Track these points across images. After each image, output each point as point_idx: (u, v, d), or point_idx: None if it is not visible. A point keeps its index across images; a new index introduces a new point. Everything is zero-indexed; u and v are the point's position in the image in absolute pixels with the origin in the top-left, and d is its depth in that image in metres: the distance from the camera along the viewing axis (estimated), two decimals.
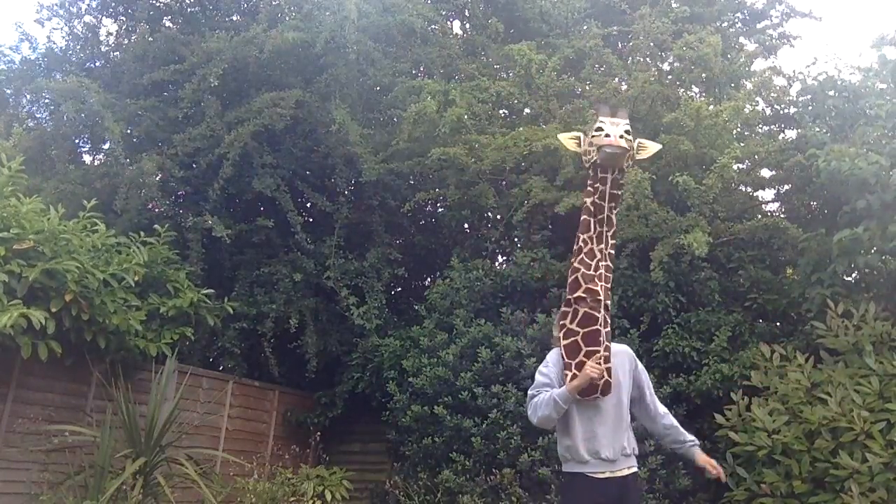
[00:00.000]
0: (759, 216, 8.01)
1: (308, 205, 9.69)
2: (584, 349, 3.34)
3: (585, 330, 3.36)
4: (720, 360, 6.97)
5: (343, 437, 8.94)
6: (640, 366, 3.61)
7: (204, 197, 8.37)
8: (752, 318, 7.59)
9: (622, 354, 3.54)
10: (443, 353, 7.63)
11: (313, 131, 9.42)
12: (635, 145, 3.50)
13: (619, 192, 3.59)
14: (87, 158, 9.92)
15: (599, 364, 3.29)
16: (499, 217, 9.40)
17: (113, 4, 10.06)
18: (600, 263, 3.47)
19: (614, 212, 3.55)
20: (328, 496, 7.77)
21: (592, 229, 3.50)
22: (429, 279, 10.65)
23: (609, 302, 3.48)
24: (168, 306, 6.99)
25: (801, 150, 7.47)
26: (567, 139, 3.70)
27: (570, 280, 3.51)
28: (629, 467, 3.39)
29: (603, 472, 3.31)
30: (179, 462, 6.36)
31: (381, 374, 8.17)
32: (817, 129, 7.53)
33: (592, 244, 3.49)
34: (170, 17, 10.33)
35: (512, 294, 8.15)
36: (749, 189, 8.85)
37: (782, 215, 8.35)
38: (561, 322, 3.48)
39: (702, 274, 7.49)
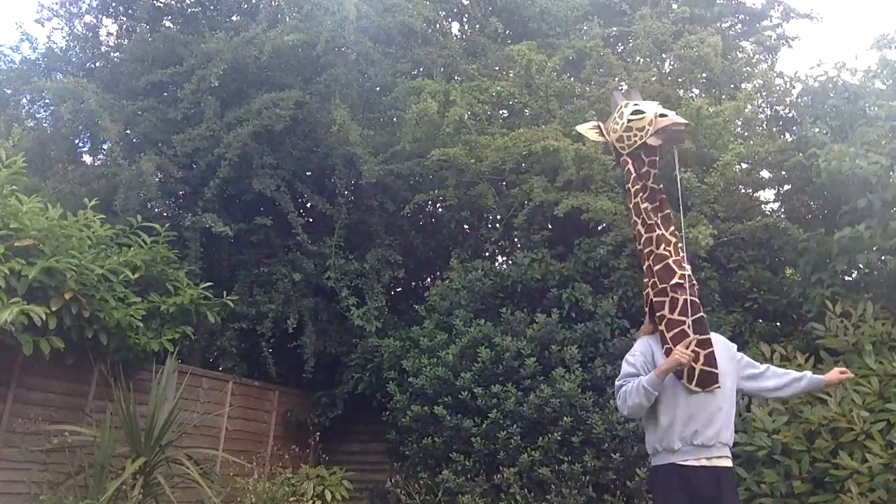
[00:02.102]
0: (760, 216, 8.02)
1: (308, 205, 9.69)
2: (696, 339, 3.18)
3: (693, 318, 3.23)
4: None
5: (343, 437, 8.93)
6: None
7: (203, 197, 8.36)
8: (752, 318, 7.59)
9: (721, 343, 3.39)
10: (443, 354, 7.63)
11: (313, 132, 9.41)
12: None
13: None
14: (86, 158, 9.91)
15: (691, 349, 3.13)
16: (499, 217, 9.40)
17: (113, 4, 10.04)
18: (678, 247, 3.37)
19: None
20: (328, 496, 7.77)
21: (655, 215, 3.42)
22: (428, 280, 10.65)
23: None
24: (168, 304, 6.98)
25: (802, 151, 7.48)
26: (588, 129, 3.65)
27: (657, 267, 3.35)
28: (726, 457, 3.17)
29: (698, 460, 3.10)
30: (179, 462, 6.34)
31: (381, 374, 8.17)
32: (817, 130, 7.54)
33: (661, 230, 3.40)
34: (170, 17, 10.30)
35: (512, 294, 8.15)
36: (749, 189, 8.86)
37: (782, 215, 8.36)
38: (659, 313, 3.29)
39: (702, 274, 7.48)
